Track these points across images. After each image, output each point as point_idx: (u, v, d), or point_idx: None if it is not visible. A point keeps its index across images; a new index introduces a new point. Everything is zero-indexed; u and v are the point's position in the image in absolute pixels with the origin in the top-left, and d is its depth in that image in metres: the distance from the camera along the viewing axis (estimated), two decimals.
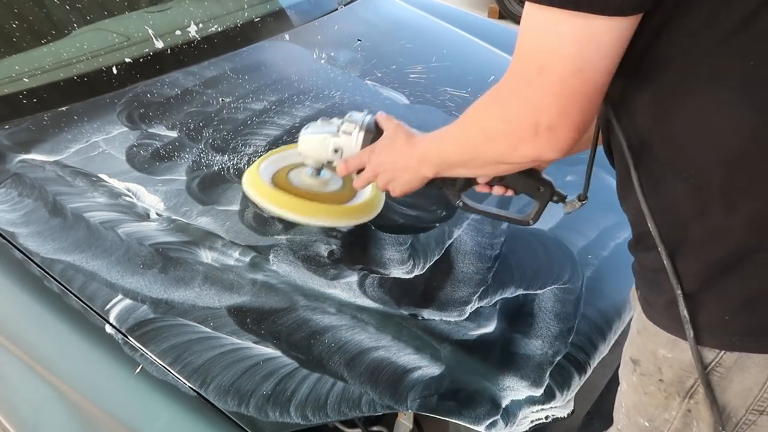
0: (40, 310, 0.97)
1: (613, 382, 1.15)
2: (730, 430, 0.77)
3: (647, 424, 0.83)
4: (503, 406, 0.95)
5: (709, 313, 0.71)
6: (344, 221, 1.14)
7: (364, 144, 0.99)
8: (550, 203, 0.99)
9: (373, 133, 0.99)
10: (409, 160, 0.90)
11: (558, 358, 1.03)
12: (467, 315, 1.05)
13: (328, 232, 1.14)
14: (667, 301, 0.74)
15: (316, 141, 1.03)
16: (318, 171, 1.12)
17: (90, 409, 0.90)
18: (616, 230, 1.28)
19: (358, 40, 1.80)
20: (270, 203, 1.12)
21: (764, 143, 0.63)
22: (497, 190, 0.98)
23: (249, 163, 1.27)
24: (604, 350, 1.09)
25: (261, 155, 1.23)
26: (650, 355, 0.80)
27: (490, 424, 0.92)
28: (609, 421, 1.07)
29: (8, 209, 1.10)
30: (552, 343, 1.04)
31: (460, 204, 1.03)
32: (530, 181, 0.97)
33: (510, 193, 0.99)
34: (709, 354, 0.73)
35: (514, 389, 0.97)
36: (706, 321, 0.72)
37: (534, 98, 0.65)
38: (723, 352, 0.72)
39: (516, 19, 4.98)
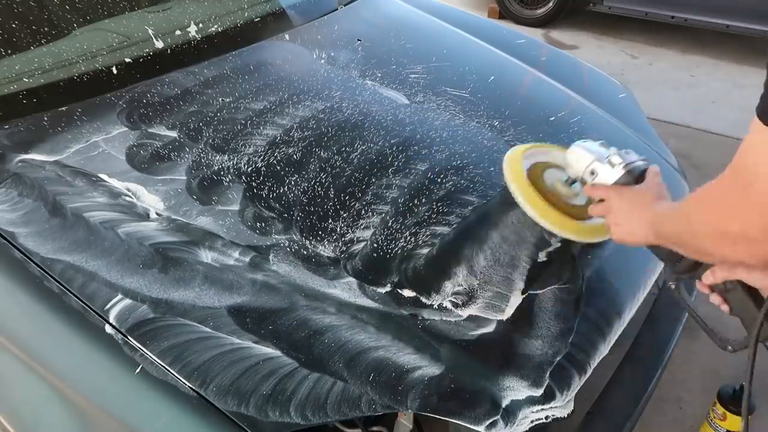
0: (39, 310, 0.97)
1: (613, 382, 1.15)
2: None
3: None
4: (503, 406, 0.95)
5: None
6: (581, 237, 1.17)
7: (619, 182, 1.03)
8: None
9: (633, 178, 1.02)
10: (640, 216, 0.94)
11: (558, 358, 1.03)
12: None
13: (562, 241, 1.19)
14: None
15: (581, 155, 1.09)
16: (572, 182, 1.17)
17: (90, 409, 0.90)
18: None
19: (358, 40, 1.80)
20: (523, 198, 1.16)
21: None
22: (714, 299, 0.93)
23: (248, 164, 1.27)
24: (604, 350, 1.09)
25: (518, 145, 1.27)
26: None
27: (490, 424, 0.92)
28: (609, 421, 1.08)
29: (8, 209, 1.10)
30: (552, 343, 1.04)
31: (673, 287, 1.03)
32: (753, 309, 0.89)
33: (725, 307, 0.93)
34: None
35: (514, 389, 0.97)
36: None
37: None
38: None
39: (516, 19, 4.98)
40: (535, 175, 1.21)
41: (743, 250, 0.70)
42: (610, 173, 1.04)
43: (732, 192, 0.69)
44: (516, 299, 1.08)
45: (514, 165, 1.20)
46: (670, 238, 0.87)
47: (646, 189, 0.98)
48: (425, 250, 1.13)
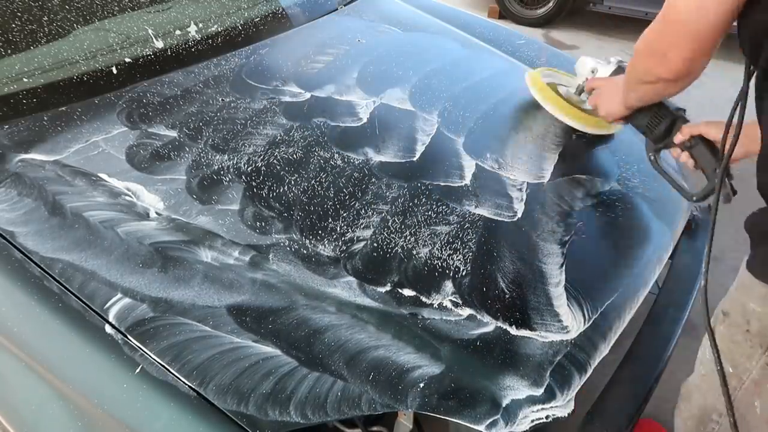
0: (39, 310, 0.97)
1: (614, 382, 1.15)
2: None
3: (731, 370, 0.99)
4: (503, 405, 0.94)
5: None
6: (593, 128, 1.49)
7: (612, 75, 1.39)
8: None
9: (623, 71, 1.29)
10: (617, 93, 1.24)
11: (558, 358, 1.03)
12: None
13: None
14: None
15: (585, 61, 1.49)
16: (581, 91, 1.51)
17: (90, 409, 0.90)
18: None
19: (359, 40, 1.80)
20: (546, 100, 1.51)
21: None
22: (683, 157, 1.20)
23: (248, 164, 1.27)
24: (604, 350, 1.09)
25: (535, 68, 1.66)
26: (740, 308, 0.97)
27: (491, 423, 0.92)
28: (609, 421, 1.07)
29: (8, 209, 1.10)
30: (552, 343, 1.04)
31: (652, 158, 1.30)
32: (712, 161, 1.13)
33: (691, 162, 1.18)
34: None
35: (515, 389, 0.97)
36: None
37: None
38: None
39: (516, 19, 4.98)
40: (552, 88, 1.53)
41: (663, 66, 0.97)
42: (606, 68, 1.42)
43: (656, 22, 0.95)
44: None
45: (536, 80, 1.55)
46: (632, 95, 1.17)
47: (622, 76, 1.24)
48: (426, 249, 1.13)
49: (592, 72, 1.45)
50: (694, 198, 1.22)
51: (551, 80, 1.59)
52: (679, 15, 0.90)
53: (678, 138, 1.20)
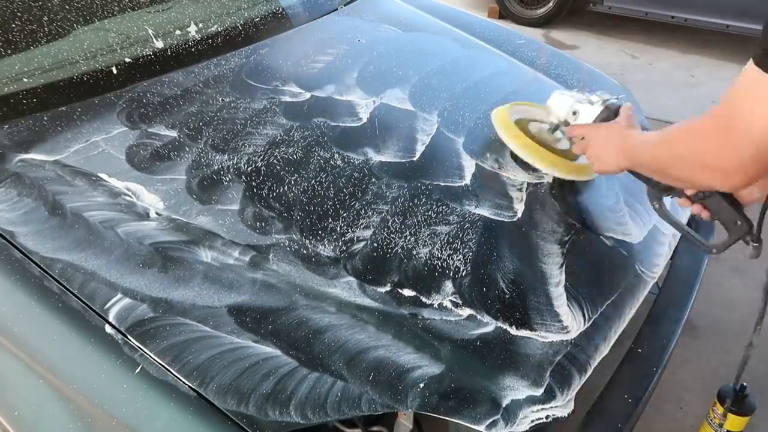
0: (39, 310, 0.97)
1: (614, 382, 1.15)
2: None
3: None
4: (503, 405, 0.95)
5: None
6: (569, 174, 1.30)
7: (598, 118, 1.16)
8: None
9: (612, 113, 1.14)
10: (614, 145, 1.06)
11: (558, 358, 1.03)
12: None
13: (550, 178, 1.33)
14: None
15: (563, 100, 1.23)
16: (555, 128, 1.30)
17: (90, 409, 0.90)
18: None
19: (358, 40, 1.80)
20: (515, 142, 1.32)
21: None
22: (696, 209, 1.03)
23: (248, 164, 1.27)
24: (604, 350, 1.09)
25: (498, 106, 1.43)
26: None
27: (491, 423, 0.92)
28: (609, 421, 1.07)
29: (8, 209, 1.10)
30: (552, 343, 1.04)
31: (656, 206, 1.14)
32: (731, 212, 0.99)
33: (705, 214, 1.02)
34: None
35: (515, 389, 0.97)
36: None
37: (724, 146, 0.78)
38: None
39: (516, 19, 4.98)
40: (521, 127, 1.35)
41: (719, 180, 0.82)
42: (590, 110, 1.17)
43: (715, 130, 0.78)
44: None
45: (503, 117, 1.36)
46: (648, 166, 0.99)
47: (618, 121, 1.11)
48: (426, 250, 1.13)
49: (574, 114, 1.21)
50: (715, 251, 1.07)
51: (523, 116, 1.40)
52: (752, 133, 0.73)
53: (689, 191, 1.03)
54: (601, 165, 1.11)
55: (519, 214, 1.24)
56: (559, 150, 1.33)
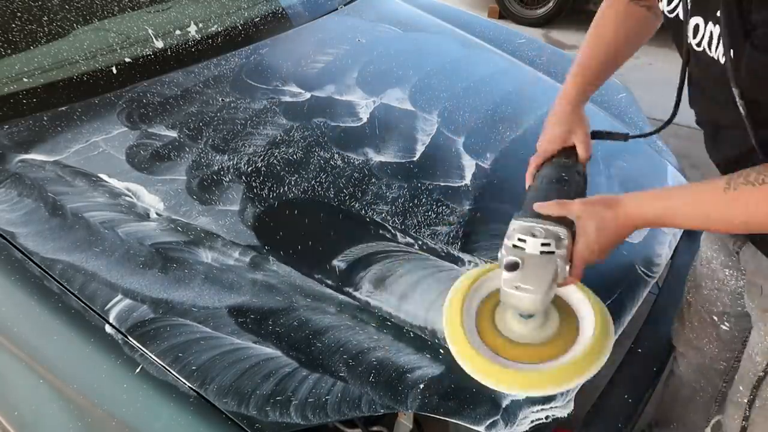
0: (39, 310, 0.97)
1: (614, 382, 1.15)
2: None
3: None
4: (503, 406, 0.94)
5: None
6: (570, 383, 0.88)
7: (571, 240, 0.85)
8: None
9: (571, 224, 0.85)
10: (625, 228, 0.85)
11: None
12: None
13: None
14: None
15: (544, 274, 0.82)
16: (528, 315, 0.89)
17: (90, 409, 0.90)
18: None
19: (358, 40, 1.80)
20: (458, 355, 0.91)
21: None
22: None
23: (248, 164, 1.27)
24: None
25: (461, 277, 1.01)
26: None
27: (491, 424, 0.92)
28: (609, 421, 1.07)
29: (8, 209, 1.10)
30: None
31: None
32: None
33: None
34: None
35: None
36: None
37: None
38: None
39: (516, 19, 4.97)
40: (484, 313, 0.96)
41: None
42: (564, 245, 0.84)
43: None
44: None
45: (453, 306, 0.95)
46: (680, 224, 0.87)
47: (592, 214, 0.85)
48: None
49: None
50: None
51: (491, 290, 0.99)
52: None
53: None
54: (613, 249, 0.88)
55: None
56: (549, 342, 0.92)
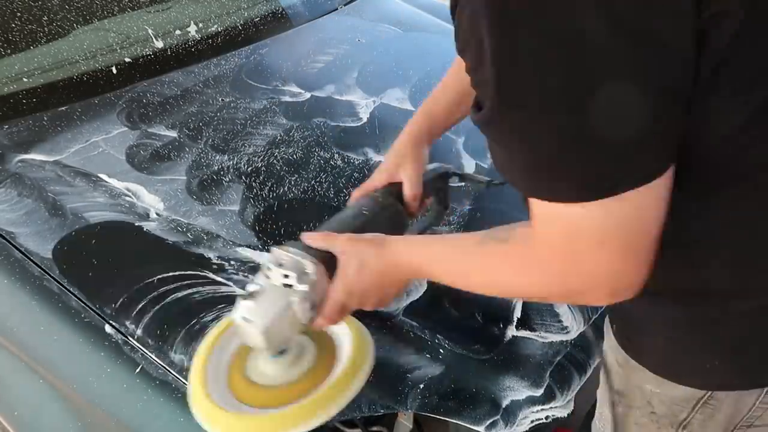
0: (39, 310, 0.97)
1: None
2: None
3: None
4: (503, 406, 0.94)
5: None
6: (341, 402, 0.80)
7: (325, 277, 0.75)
8: None
9: (326, 257, 0.75)
10: (394, 274, 0.75)
11: (558, 358, 1.03)
12: None
13: None
14: (655, 345, 0.72)
15: (271, 308, 0.72)
16: (279, 352, 0.80)
17: (90, 409, 0.90)
18: None
19: (358, 40, 1.80)
20: (196, 410, 0.78)
21: None
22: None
23: (248, 164, 1.27)
24: None
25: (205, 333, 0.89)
26: (637, 390, 0.75)
27: (490, 424, 0.92)
28: None
29: (8, 209, 1.10)
30: (552, 344, 1.04)
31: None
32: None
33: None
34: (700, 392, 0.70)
35: (514, 389, 0.97)
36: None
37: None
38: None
39: None
40: (237, 361, 0.84)
41: (584, 301, 0.65)
42: (316, 279, 0.73)
43: (556, 266, 0.59)
44: None
45: (197, 359, 0.83)
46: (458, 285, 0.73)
47: (354, 255, 0.75)
48: None
49: (312, 308, 0.75)
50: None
51: (230, 353, 0.85)
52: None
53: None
54: (390, 301, 0.80)
55: None
56: (309, 373, 0.82)
